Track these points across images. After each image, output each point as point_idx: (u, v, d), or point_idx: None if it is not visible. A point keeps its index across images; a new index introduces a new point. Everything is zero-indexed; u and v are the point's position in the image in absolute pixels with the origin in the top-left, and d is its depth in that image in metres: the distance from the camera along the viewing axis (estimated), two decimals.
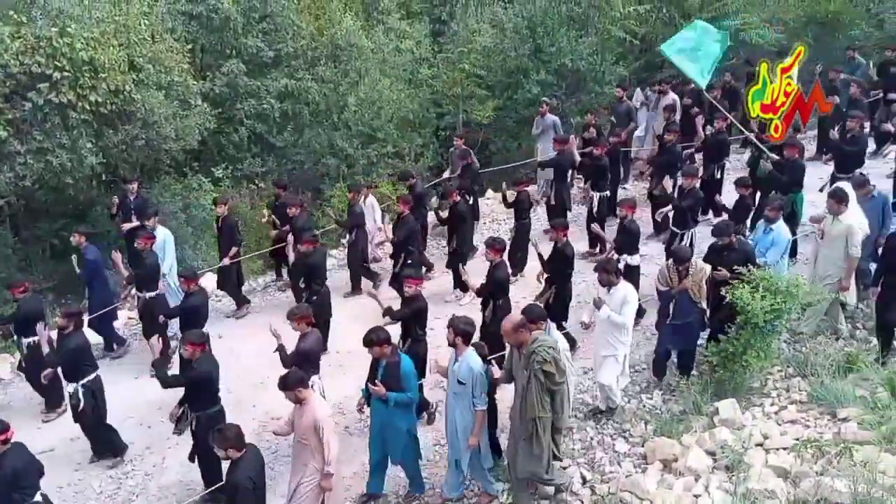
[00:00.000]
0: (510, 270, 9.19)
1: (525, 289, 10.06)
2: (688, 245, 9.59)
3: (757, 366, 7.48)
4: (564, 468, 6.82)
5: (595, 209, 11.44)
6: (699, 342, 8.19)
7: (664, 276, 7.83)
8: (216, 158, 14.49)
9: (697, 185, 10.22)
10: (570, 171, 12.23)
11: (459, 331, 6.28)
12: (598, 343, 7.66)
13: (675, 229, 10.05)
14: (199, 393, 6.84)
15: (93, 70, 10.59)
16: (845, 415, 6.40)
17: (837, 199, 8.22)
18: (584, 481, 6.70)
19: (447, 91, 16.54)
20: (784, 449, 6.06)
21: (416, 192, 11.39)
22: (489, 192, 14.96)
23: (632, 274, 8.82)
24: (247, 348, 9.40)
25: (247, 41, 14.73)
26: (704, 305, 7.75)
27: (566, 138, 12.21)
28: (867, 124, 12.29)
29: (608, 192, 11.69)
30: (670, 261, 7.89)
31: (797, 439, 6.19)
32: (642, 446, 7.01)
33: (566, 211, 11.74)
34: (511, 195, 11.07)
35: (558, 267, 8.67)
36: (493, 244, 8.39)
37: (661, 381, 8.19)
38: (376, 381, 6.39)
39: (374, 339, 6.36)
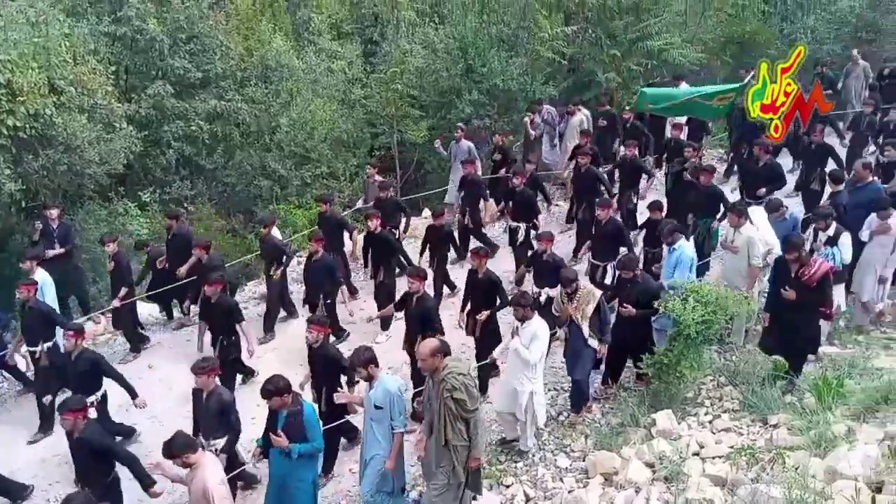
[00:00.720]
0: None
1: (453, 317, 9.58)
2: (610, 277, 9.48)
3: (691, 376, 7.64)
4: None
5: (520, 240, 10.90)
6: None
7: (558, 303, 7.75)
8: (143, 182, 14.13)
9: (614, 214, 9.98)
10: (483, 193, 11.98)
11: (363, 362, 6.07)
12: (509, 374, 7.38)
13: (595, 262, 9.76)
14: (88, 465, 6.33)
15: (10, 93, 10.19)
16: (776, 421, 6.60)
17: (737, 213, 8.55)
18: (528, 499, 6.70)
19: (381, 111, 16.55)
20: (720, 457, 6.20)
21: (335, 219, 10.81)
22: (425, 212, 14.97)
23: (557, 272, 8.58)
24: (180, 378, 9.09)
25: (173, 62, 14.46)
26: (587, 332, 7.43)
27: (473, 160, 12.12)
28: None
29: (535, 222, 11.10)
30: (559, 286, 7.77)
31: (732, 447, 6.35)
32: (583, 461, 7.06)
33: (481, 234, 11.74)
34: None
35: (482, 294, 8.32)
36: (417, 273, 7.99)
37: (578, 413, 7.91)
38: (278, 431, 5.99)
39: (272, 389, 5.94)
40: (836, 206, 8.98)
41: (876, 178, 9.70)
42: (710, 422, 7.23)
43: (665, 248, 8.90)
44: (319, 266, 9.27)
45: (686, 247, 8.54)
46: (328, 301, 9.26)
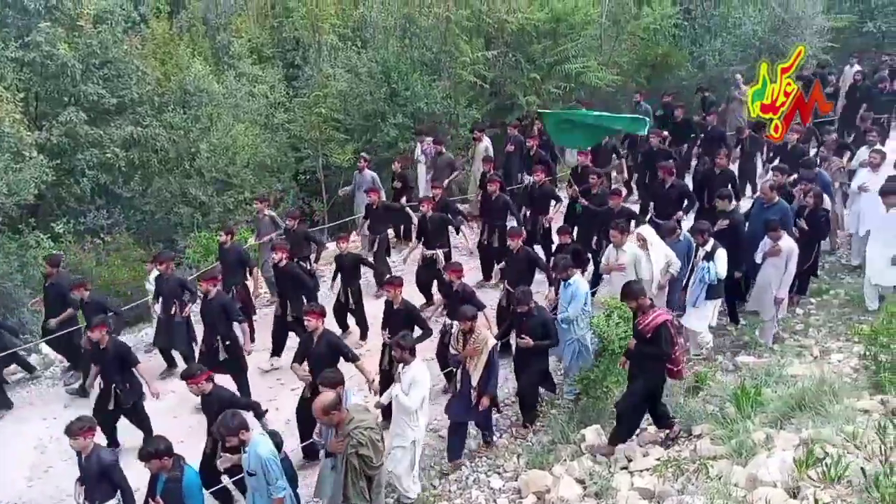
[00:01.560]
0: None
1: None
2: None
3: (617, 390, 7.81)
4: None
5: (441, 266, 10.45)
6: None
7: (454, 339, 7.35)
8: (56, 213, 13.57)
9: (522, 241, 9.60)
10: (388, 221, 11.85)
11: (233, 430, 5.59)
12: (392, 425, 6.92)
13: (508, 288, 9.25)
14: None
15: None
16: (699, 431, 6.78)
17: (619, 230, 8.67)
18: None
19: (305, 135, 16.44)
20: (647, 470, 6.32)
21: (235, 252, 10.20)
22: (353, 236, 14.85)
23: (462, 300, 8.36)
24: None
25: (86, 88, 14.01)
26: (475, 382, 7.13)
27: (378, 189, 11.89)
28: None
29: (447, 248, 10.96)
30: (455, 322, 7.62)
31: (658, 459, 6.48)
32: (516, 480, 7.08)
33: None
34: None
35: (400, 325, 7.90)
36: (312, 310, 7.47)
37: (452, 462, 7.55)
38: (156, 498, 5.57)
39: (151, 451, 5.50)
40: (736, 224, 9.17)
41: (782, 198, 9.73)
42: (637, 435, 7.37)
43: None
44: (214, 306, 8.55)
45: (580, 281, 8.37)
46: (227, 343, 8.49)
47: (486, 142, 13.77)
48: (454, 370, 7.51)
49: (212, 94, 16.08)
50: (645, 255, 8.69)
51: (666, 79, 19.80)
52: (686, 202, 10.80)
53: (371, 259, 11.03)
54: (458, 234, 11.64)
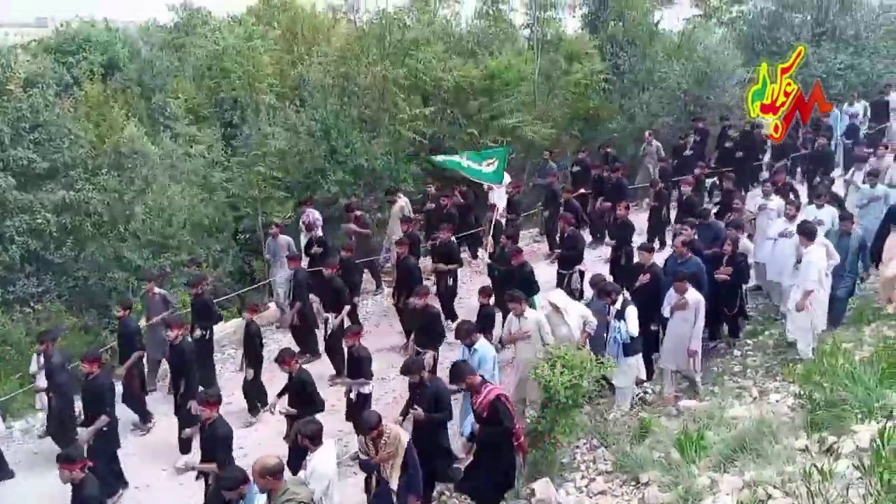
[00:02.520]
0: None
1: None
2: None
3: (565, 441, 7.80)
4: None
5: (330, 332, 10.52)
6: None
7: (362, 445, 6.71)
8: None
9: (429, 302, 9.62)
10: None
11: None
12: None
13: (418, 349, 9.27)
14: None
15: None
16: (646, 479, 6.81)
17: (516, 301, 8.45)
18: None
19: (244, 194, 16.28)
20: None
21: (130, 328, 9.63)
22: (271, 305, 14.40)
23: (365, 403, 8.32)
24: None
25: (16, 153, 13.67)
26: (394, 486, 6.57)
27: (298, 256, 11.77)
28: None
29: (349, 306, 10.78)
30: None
31: None
32: None
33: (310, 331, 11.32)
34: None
35: (295, 397, 7.87)
36: (206, 399, 7.04)
37: None
38: None
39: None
40: (656, 277, 9.36)
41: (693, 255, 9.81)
42: (587, 486, 7.37)
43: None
44: (94, 387, 8.01)
45: (485, 346, 8.13)
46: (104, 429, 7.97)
47: (401, 202, 13.82)
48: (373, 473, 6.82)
49: (147, 156, 15.86)
50: (558, 318, 8.55)
51: (598, 131, 20.46)
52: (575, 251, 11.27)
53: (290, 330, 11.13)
54: (351, 299, 11.22)
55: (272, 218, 15.85)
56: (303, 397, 7.81)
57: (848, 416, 5.69)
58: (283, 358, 7.91)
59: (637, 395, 9.43)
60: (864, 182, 11.74)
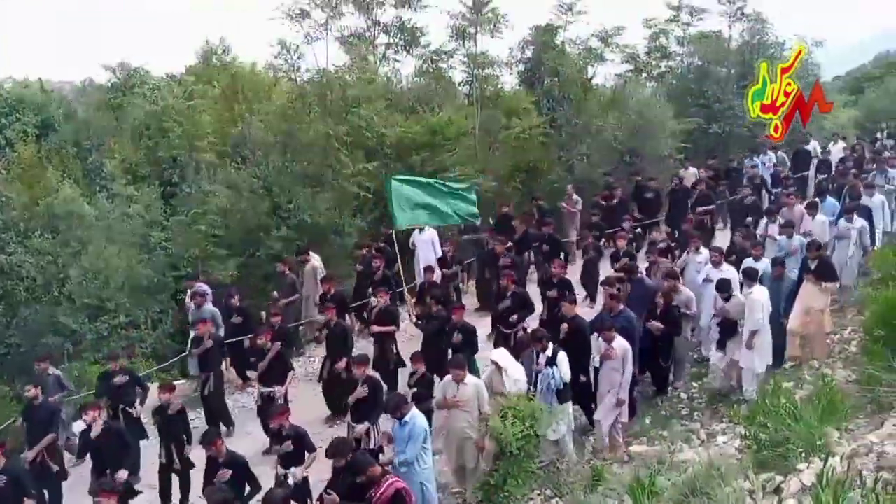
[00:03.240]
0: None
1: None
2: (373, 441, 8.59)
3: (518, 493, 7.72)
4: None
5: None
6: None
7: None
8: None
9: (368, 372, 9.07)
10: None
11: None
12: None
13: (352, 423, 8.86)
14: None
15: None
16: None
17: (458, 367, 8.17)
18: None
19: (184, 253, 15.95)
20: None
21: (46, 409, 9.15)
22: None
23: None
24: None
25: None
26: None
27: (206, 320, 10.94)
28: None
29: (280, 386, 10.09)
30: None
31: None
32: None
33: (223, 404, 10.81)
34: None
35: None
36: (102, 489, 6.81)
37: None
38: None
39: None
40: (576, 328, 9.25)
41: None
42: None
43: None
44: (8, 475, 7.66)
45: (418, 417, 7.67)
46: None
47: (314, 262, 13.51)
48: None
49: (82, 217, 15.46)
50: (500, 378, 8.30)
51: (539, 182, 20.87)
52: (523, 310, 10.89)
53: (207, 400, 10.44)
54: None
55: (213, 276, 15.60)
56: (242, 479, 7.31)
57: (792, 455, 5.79)
58: (208, 440, 7.46)
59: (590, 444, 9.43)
60: (780, 234, 11.93)
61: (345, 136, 17.23)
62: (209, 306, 11.80)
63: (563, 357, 8.54)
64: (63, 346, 13.49)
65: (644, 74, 25.25)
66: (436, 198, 13.21)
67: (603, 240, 15.14)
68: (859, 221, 11.85)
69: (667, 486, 6.84)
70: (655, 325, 9.79)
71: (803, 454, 5.74)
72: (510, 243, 14.23)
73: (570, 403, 8.82)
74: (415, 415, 7.68)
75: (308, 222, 15.96)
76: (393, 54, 21.97)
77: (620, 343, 8.80)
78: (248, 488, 7.32)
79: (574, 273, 13.42)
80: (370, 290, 12.46)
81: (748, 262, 10.53)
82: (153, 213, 17.08)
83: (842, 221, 12.00)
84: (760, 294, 9.52)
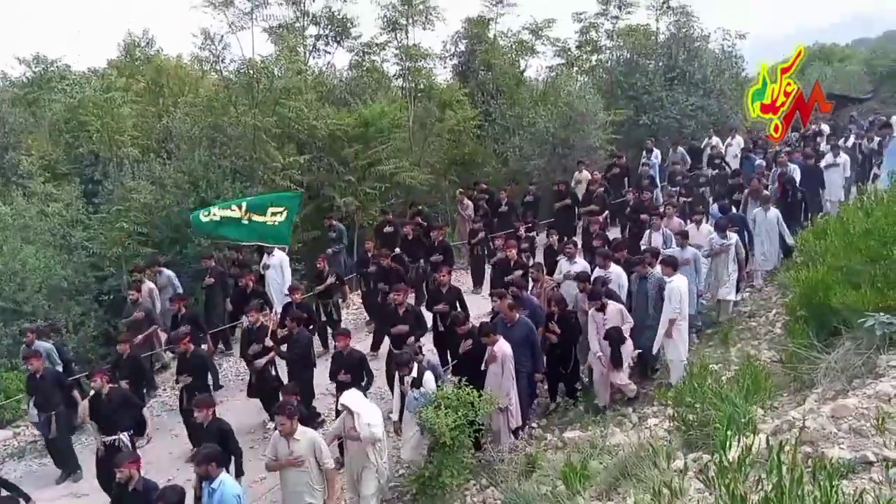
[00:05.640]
0: None
1: None
2: None
3: (453, 484, 7.64)
4: None
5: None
6: None
7: None
8: None
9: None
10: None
11: None
12: None
13: (198, 474, 7.71)
14: None
15: None
16: None
17: (288, 416, 7.07)
18: None
19: (107, 252, 15.31)
20: None
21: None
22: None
23: None
24: None
25: None
26: None
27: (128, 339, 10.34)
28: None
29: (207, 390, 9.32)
30: None
31: None
32: None
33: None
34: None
35: None
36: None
37: None
38: None
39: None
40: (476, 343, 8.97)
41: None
42: None
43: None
44: None
45: (227, 485, 6.57)
46: None
47: (149, 284, 12.48)
48: None
49: None
50: (352, 422, 7.46)
51: (474, 174, 20.89)
52: (416, 330, 10.12)
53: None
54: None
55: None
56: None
57: (718, 434, 5.85)
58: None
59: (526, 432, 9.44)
60: (675, 244, 11.36)
61: (274, 128, 16.85)
62: (42, 343, 10.73)
63: (429, 377, 8.15)
64: None
65: (575, 68, 25.54)
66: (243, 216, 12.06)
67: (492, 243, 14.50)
68: (733, 237, 11.35)
69: (599, 469, 6.88)
70: (550, 330, 9.62)
71: (729, 433, 5.82)
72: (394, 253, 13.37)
73: None
74: (224, 479, 6.49)
75: None
76: (323, 46, 21.68)
77: (502, 346, 8.67)
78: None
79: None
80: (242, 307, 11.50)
81: (670, 251, 10.60)
82: (73, 212, 16.34)
83: (715, 237, 11.38)
84: (681, 282, 9.64)
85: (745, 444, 4.92)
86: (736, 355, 9.41)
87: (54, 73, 22.97)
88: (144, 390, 10.67)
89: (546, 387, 10.47)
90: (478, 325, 9.30)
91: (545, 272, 11.44)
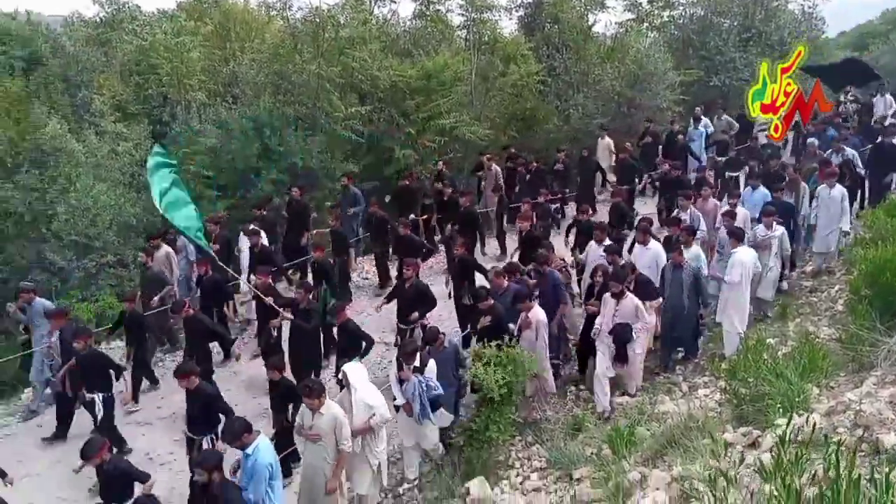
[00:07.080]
0: None
1: None
2: None
3: (499, 439, 7.81)
4: None
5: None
6: None
7: None
8: None
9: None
10: None
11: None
12: None
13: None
14: None
15: None
16: (579, 475, 6.85)
17: (313, 395, 7.01)
18: None
19: None
20: None
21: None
22: None
23: None
24: None
25: None
26: None
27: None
28: None
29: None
30: None
31: None
32: None
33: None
34: None
35: None
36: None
37: None
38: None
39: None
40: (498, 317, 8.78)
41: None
42: (521, 483, 7.38)
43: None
44: None
45: (262, 451, 6.50)
46: None
47: (165, 248, 11.84)
48: None
49: (71, 154, 15.24)
50: (346, 396, 7.47)
51: (535, 131, 20.63)
52: (425, 305, 9.95)
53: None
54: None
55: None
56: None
57: (771, 411, 5.83)
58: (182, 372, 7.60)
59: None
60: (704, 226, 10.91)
61: (337, 78, 16.91)
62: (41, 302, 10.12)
63: (431, 366, 8.00)
64: (51, 283, 13.45)
65: (645, 24, 24.73)
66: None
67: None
68: (779, 229, 10.36)
69: (646, 436, 6.94)
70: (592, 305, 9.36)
71: (781, 410, 5.78)
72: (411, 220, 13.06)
73: (442, 411, 8.12)
74: (261, 446, 6.52)
75: (299, 165, 15.77)
76: None
77: (536, 313, 8.64)
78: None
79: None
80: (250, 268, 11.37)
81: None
82: (142, 152, 16.84)
83: (759, 228, 10.42)
84: (745, 254, 9.46)
85: (797, 424, 4.89)
86: (794, 331, 9.25)
87: (126, 13, 23.40)
88: (158, 347, 11.18)
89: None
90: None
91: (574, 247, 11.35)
